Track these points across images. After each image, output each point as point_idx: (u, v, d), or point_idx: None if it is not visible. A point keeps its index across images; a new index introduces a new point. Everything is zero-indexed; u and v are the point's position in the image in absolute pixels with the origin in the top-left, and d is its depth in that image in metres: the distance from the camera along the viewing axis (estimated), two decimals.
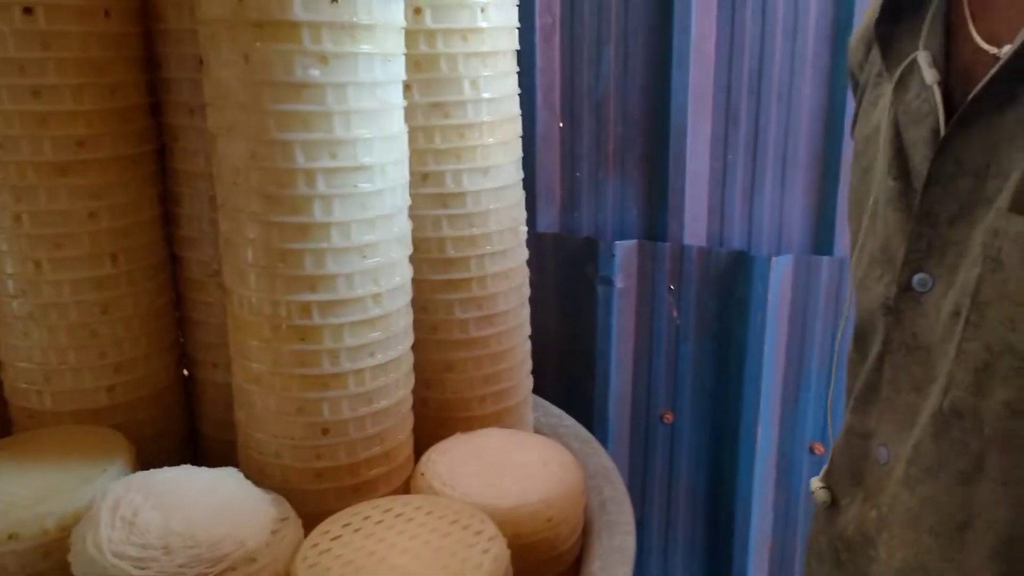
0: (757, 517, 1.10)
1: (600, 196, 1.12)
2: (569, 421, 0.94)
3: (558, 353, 1.15)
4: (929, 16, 0.51)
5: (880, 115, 0.55)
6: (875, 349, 0.54)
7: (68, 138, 0.67)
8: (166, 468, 0.60)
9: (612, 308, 1.10)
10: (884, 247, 0.53)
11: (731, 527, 1.11)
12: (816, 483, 0.61)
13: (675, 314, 1.10)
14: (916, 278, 0.50)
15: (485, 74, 0.74)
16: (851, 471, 0.57)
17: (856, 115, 0.62)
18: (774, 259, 1.01)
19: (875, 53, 0.57)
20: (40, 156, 0.67)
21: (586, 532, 0.74)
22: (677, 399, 1.13)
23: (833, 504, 0.59)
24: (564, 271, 1.13)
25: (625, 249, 1.09)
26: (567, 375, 1.15)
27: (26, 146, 0.66)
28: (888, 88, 0.54)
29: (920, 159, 0.49)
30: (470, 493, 0.68)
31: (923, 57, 0.50)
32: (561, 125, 1.11)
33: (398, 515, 0.63)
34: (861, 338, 0.56)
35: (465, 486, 0.68)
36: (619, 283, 1.10)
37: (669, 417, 1.13)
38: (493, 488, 0.69)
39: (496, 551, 0.58)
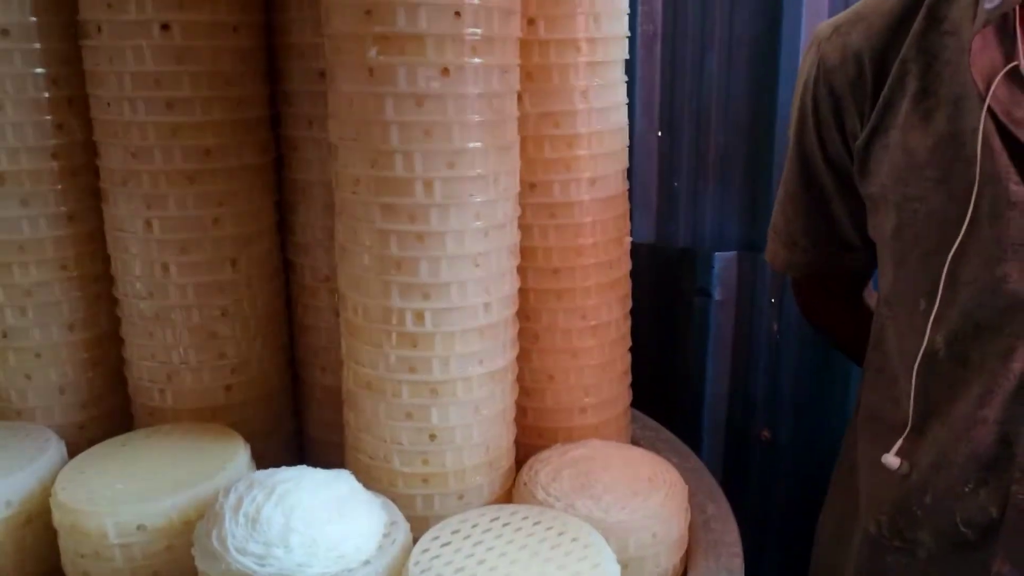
0: None
1: (699, 206, 1.10)
2: (667, 435, 0.93)
3: (652, 366, 1.13)
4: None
5: (943, 126, 0.61)
6: (1010, 341, 0.59)
7: (197, 148, 0.70)
8: (284, 468, 0.62)
9: (709, 321, 1.08)
10: (1013, 245, 0.58)
11: None
12: (894, 459, 0.66)
13: (775, 328, 1.07)
14: None
15: (596, 84, 0.74)
16: (975, 458, 0.62)
17: (873, 131, 0.65)
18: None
19: (907, 68, 0.63)
20: (171, 165, 0.70)
21: (690, 552, 0.72)
22: (776, 416, 1.09)
23: (949, 491, 0.63)
24: (660, 283, 1.11)
25: (724, 260, 1.07)
26: (661, 389, 1.14)
27: (159, 155, 0.70)
28: (940, 100, 0.61)
29: None
30: (574, 505, 0.67)
31: None
32: (660, 135, 1.10)
33: (505, 524, 0.63)
34: (963, 338, 0.61)
35: (569, 498, 0.68)
36: (717, 295, 1.08)
37: (767, 435, 1.10)
38: (597, 501, 0.68)
39: (607, 567, 0.58)
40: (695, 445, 1.13)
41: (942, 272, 0.61)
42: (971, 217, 0.59)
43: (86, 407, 0.78)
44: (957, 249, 0.60)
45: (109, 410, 0.80)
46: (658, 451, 0.87)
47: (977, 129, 0.58)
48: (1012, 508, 0.61)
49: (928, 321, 0.62)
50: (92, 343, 0.78)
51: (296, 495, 0.59)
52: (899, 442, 0.66)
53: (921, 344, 0.63)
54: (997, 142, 0.58)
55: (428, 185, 0.62)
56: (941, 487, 0.64)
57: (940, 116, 0.61)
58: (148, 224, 0.72)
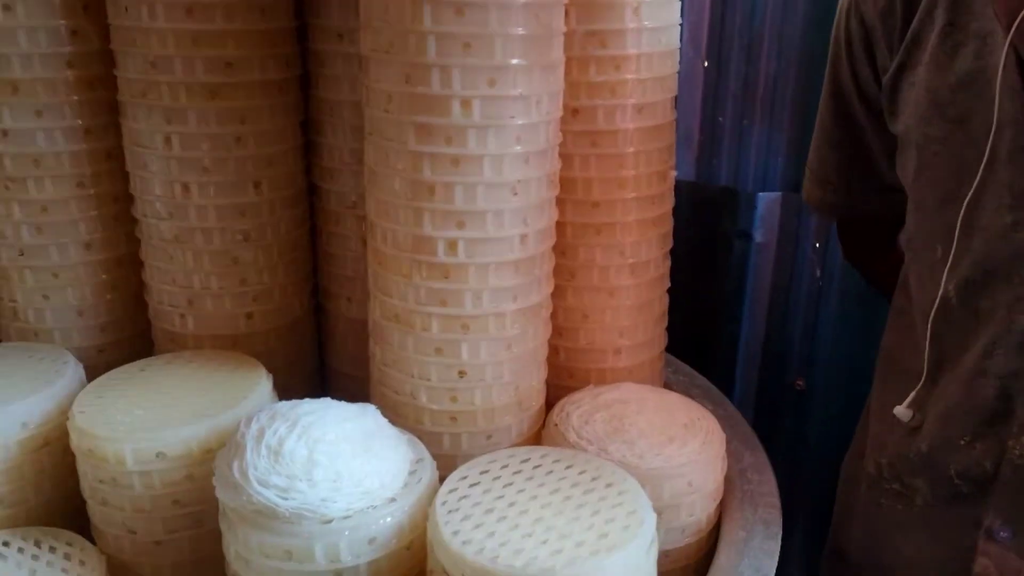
0: None
1: (743, 143, 1.04)
2: (701, 381, 0.90)
3: (687, 307, 1.09)
4: None
5: (967, 64, 0.57)
6: (1018, 291, 0.57)
7: (218, 59, 0.66)
8: (308, 400, 0.59)
9: (749, 264, 1.04)
10: None
11: None
12: (906, 411, 0.65)
13: (818, 274, 1.02)
14: None
15: (648, 0, 0.68)
16: (975, 412, 0.60)
17: (900, 67, 0.61)
18: None
19: (935, 6, 0.58)
20: (192, 77, 0.66)
21: (725, 501, 0.69)
22: (812, 366, 1.06)
23: (945, 443, 0.62)
24: (699, 223, 1.06)
25: (768, 201, 1.02)
26: (694, 333, 1.10)
27: (179, 66, 0.65)
28: (968, 35, 0.56)
29: None
30: (608, 450, 0.64)
31: None
32: (706, 64, 1.04)
33: (537, 466, 0.60)
34: (975, 288, 0.58)
35: (601, 443, 0.65)
36: (758, 238, 1.03)
37: (801, 384, 1.07)
38: (631, 447, 0.65)
39: (643, 514, 0.55)
40: (728, 391, 1.10)
41: (958, 219, 0.58)
42: (987, 160, 0.56)
43: (105, 330, 0.76)
44: (973, 195, 0.57)
45: (129, 335, 0.78)
46: (692, 397, 0.84)
47: (999, 67, 0.54)
48: (1007, 464, 0.60)
49: (944, 269, 0.60)
50: (111, 264, 0.75)
51: (320, 428, 0.56)
52: (912, 393, 0.65)
53: (937, 292, 0.61)
54: (1018, 81, 0.54)
55: (466, 104, 0.57)
56: (939, 437, 0.63)
57: (966, 52, 0.57)
58: (168, 140, 0.68)
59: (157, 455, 0.60)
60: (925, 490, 0.66)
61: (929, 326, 0.62)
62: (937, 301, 0.61)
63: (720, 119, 1.04)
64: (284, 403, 0.59)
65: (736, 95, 1.02)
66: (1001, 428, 0.60)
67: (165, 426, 0.61)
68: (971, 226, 0.58)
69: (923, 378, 0.64)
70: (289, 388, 0.75)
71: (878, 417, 0.71)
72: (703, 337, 1.09)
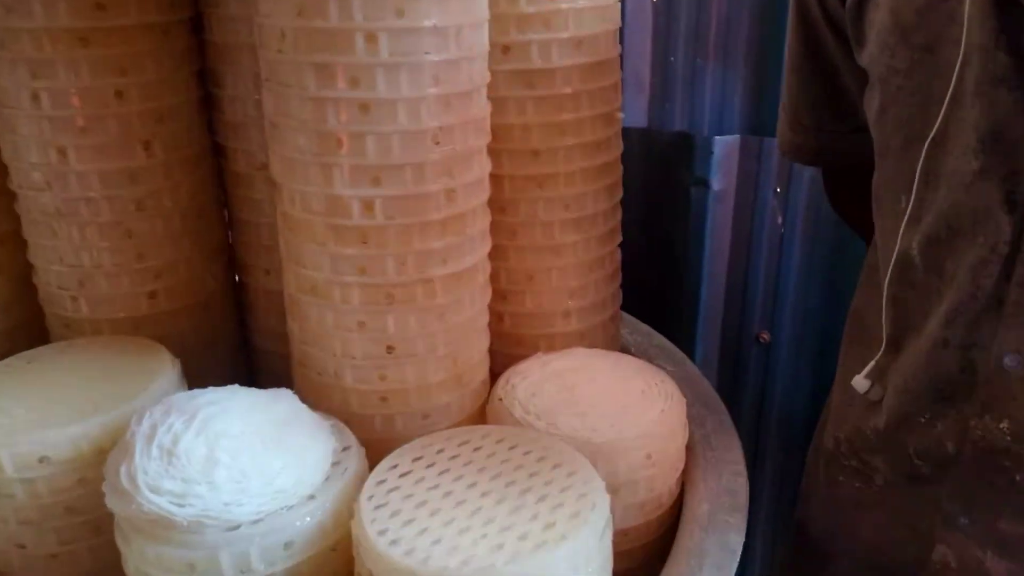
0: None
1: (697, 85, 0.97)
2: (659, 339, 0.84)
3: (642, 262, 1.03)
4: None
5: None
6: (982, 252, 0.50)
7: (86, 0, 0.57)
8: (210, 389, 0.52)
9: (707, 213, 0.98)
10: (993, 134, 0.47)
11: None
12: (863, 381, 0.59)
13: (780, 221, 0.97)
14: None
15: None
16: (935, 385, 0.55)
17: None
18: None
19: None
20: (55, 22, 0.56)
21: (687, 471, 0.64)
22: (776, 318, 1.01)
23: (902, 420, 0.57)
24: (652, 170, 1.00)
25: (725, 146, 0.95)
26: (651, 287, 1.04)
27: (39, 9, 0.56)
28: None
29: None
30: (557, 424, 0.58)
31: None
32: (654, 2, 0.96)
33: (476, 448, 0.54)
34: (938, 242, 0.52)
35: (551, 416, 0.59)
36: (716, 185, 0.97)
37: (766, 337, 1.02)
38: (584, 419, 0.59)
39: (594, 497, 0.49)
40: (687, 348, 1.05)
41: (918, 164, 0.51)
42: (951, 94, 0.48)
43: None
44: (935, 135, 0.49)
45: (18, 323, 0.69)
46: (650, 358, 0.79)
47: None
48: (968, 445, 0.54)
49: (904, 222, 0.53)
50: None
51: (222, 420, 0.49)
52: (872, 362, 0.59)
53: (897, 249, 0.54)
54: (989, 3, 0.46)
55: (371, 39, 0.49)
56: (898, 413, 0.57)
57: None
58: (36, 97, 0.59)
59: (40, 460, 0.53)
60: (884, 469, 0.60)
61: (886, 287, 0.56)
62: (894, 258, 0.54)
63: (671, 60, 0.97)
64: (181, 394, 0.51)
65: (688, 34, 0.95)
66: (963, 406, 0.54)
67: (49, 426, 0.53)
68: (935, 173, 0.51)
69: (883, 346, 0.58)
70: (205, 372, 0.67)
71: (840, 387, 0.65)
72: (661, 293, 1.03)
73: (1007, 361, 0.51)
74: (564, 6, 0.61)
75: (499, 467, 0.52)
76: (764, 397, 1.04)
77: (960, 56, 0.47)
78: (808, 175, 0.93)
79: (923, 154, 0.51)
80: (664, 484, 0.60)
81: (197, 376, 0.65)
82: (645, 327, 0.85)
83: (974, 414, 0.53)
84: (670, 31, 0.96)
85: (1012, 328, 0.50)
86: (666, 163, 0.99)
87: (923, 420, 0.56)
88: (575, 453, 0.53)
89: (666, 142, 0.98)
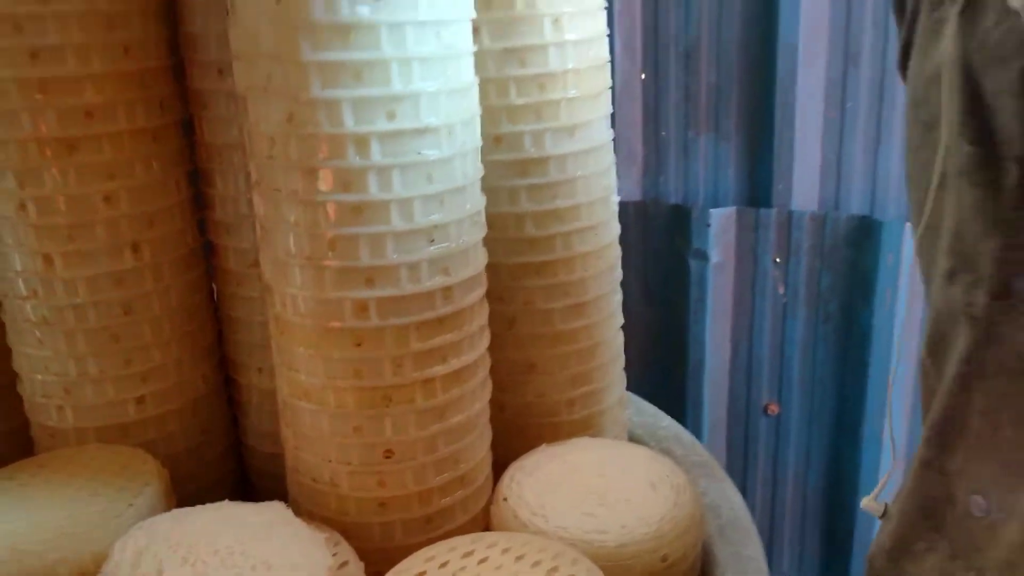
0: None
1: (690, 158, 0.97)
2: (667, 421, 0.81)
3: (644, 338, 1.01)
4: None
5: (947, 48, 0.42)
6: (954, 368, 0.43)
7: (74, 108, 0.56)
8: (198, 507, 0.49)
9: (707, 285, 0.96)
10: (957, 235, 0.42)
11: (850, 540, 0.97)
12: (870, 503, 0.54)
13: (781, 291, 0.95)
14: (1019, 282, 0.38)
15: (568, 10, 0.60)
16: (924, 510, 0.48)
17: (906, 47, 0.47)
18: (908, 224, 0.86)
19: None
20: (43, 131, 0.56)
21: (706, 567, 0.61)
22: (783, 388, 0.98)
23: (902, 545, 0.50)
24: (650, 245, 0.99)
25: (721, 218, 0.95)
26: (655, 363, 1.02)
27: (26, 119, 0.55)
28: (952, 13, 0.41)
29: (1008, 116, 0.36)
30: (566, 526, 0.55)
31: None
32: (644, 77, 0.97)
33: (482, 560, 0.51)
34: (936, 345, 0.46)
35: (559, 517, 0.56)
36: (715, 257, 0.96)
37: (774, 409, 0.99)
38: (593, 519, 0.56)
39: None
40: (694, 424, 1.02)
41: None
42: (939, 180, 0.43)
43: None
44: (927, 221, 0.45)
45: (2, 433, 0.67)
46: (658, 440, 0.76)
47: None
48: None
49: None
50: None
51: (210, 543, 0.46)
52: (885, 475, 0.55)
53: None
54: (959, 81, 0.40)
55: (362, 142, 0.48)
56: (895, 537, 0.51)
57: (948, 32, 0.43)
58: (22, 206, 0.57)
59: None
60: None
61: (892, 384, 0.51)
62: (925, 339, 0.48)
63: (663, 134, 0.97)
64: (166, 515, 0.49)
65: (678, 107, 0.96)
66: (949, 533, 0.47)
67: (26, 552, 0.50)
68: (930, 264, 0.46)
69: (895, 454, 0.54)
70: (195, 475, 0.65)
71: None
72: (665, 368, 1.01)
73: (975, 502, 0.44)
74: (556, 96, 0.61)
75: None
76: (777, 470, 1.01)
77: (942, 143, 0.42)
78: (807, 244, 0.92)
79: (917, 242, 0.47)
80: None
81: (187, 479, 0.62)
82: (652, 408, 0.83)
83: (950, 556, 0.46)
84: (659, 104, 0.97)
85: (975, 463, 0.44)
86: (664, 236, 0.98)
87: (919, 549, 0.49)
88: (587, 562, 0.50)
89: (662, 215, 0.98)
